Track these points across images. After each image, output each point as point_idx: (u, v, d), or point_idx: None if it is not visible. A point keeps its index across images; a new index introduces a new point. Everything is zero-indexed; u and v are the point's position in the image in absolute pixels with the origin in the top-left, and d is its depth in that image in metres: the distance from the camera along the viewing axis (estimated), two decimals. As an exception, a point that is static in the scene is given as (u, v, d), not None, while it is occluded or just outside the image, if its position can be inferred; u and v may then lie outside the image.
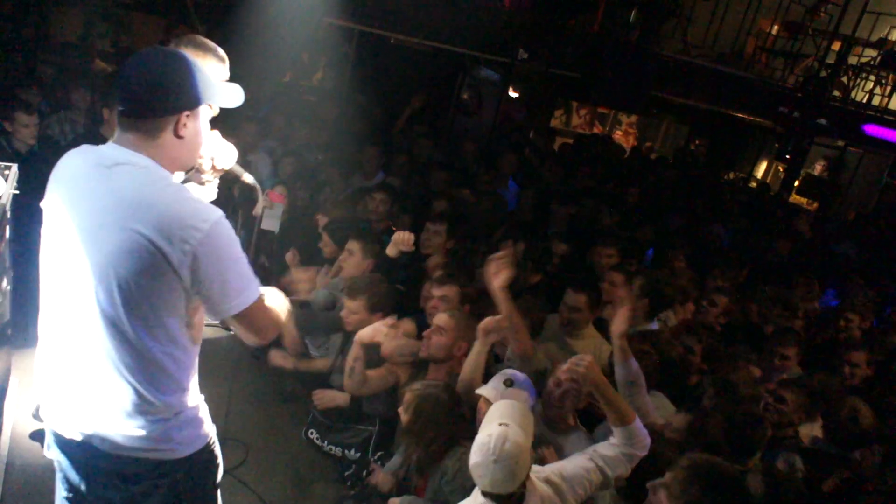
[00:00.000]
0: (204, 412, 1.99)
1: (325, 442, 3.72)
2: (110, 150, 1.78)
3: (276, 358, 4.12)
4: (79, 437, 1.84)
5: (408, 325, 3.92)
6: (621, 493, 2.83)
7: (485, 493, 2.33)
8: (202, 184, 2.25)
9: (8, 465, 3.13)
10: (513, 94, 9.12)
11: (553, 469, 2.57)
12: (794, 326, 4.68)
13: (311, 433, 3.77)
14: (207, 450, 1.98)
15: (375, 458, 3.53)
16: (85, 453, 1.86)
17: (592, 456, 2.59)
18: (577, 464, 2.58)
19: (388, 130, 7.69)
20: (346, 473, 3.52)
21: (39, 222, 1.87)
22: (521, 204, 6.49)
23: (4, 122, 4.66)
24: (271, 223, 4.37)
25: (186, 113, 1.78)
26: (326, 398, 3.76)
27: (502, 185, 6.92)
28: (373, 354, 3.62)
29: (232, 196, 4.37)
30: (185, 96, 1.77)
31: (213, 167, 2.19)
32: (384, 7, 6.94)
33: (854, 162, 11.14)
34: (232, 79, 2.17)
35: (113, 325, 1.75)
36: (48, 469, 3.18)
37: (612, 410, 2.58)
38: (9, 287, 3.26)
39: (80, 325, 1.79)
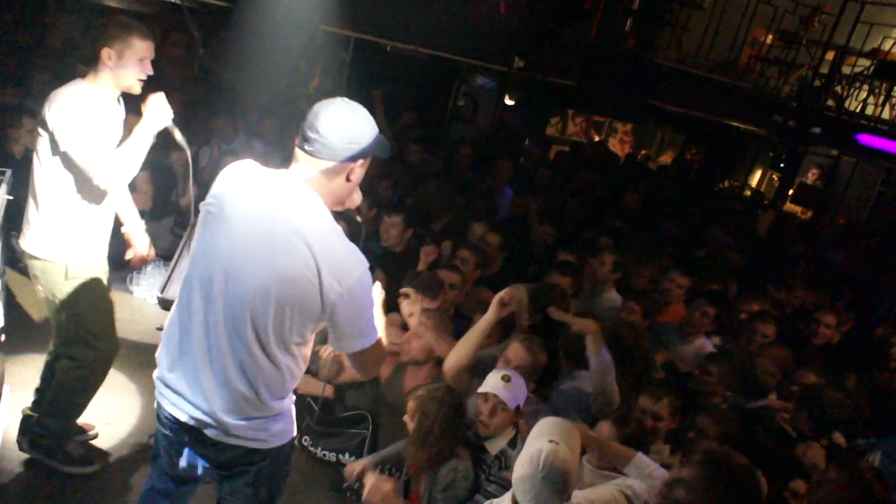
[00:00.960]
0: (293, 410, 2.22)
1: (319, 448, 3.70)
2: (287, 178, 2.01)
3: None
4: (190, 423, 2.08)
5: (395, 317, 3.93)
6: None
7: None
8: None
9: (2, 470, 3.11)
10: (509, 101, 9.15)
11: (583, 495, 2.58)
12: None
13: (305, 440, 3.75)
14: (291, 443, 2.23)
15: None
16: (190, 436, 2.12)
17: (620, 486, 2.64)
18: (604, 492, 2.62)
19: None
20: (345, 486, 3.48)
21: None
22: (513, 210, 6.50)
23: (9, 129, 4.68)
24: None
25: (361, 162, 2.05)
26: (311, 385, 3.70)
27: (498, 193, 6.94)
28: None
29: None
30: (364, 147, 2.01)
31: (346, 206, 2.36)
32: (380, 14, 6.95)
33: (848, 171, 11.19)
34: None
35: (256, 332, 1.96)
36: (40, 476, 3.17)
37: (615, 458, 2.73)
38: (3, 292, 3.24)
39: (225, 323, 1.98)
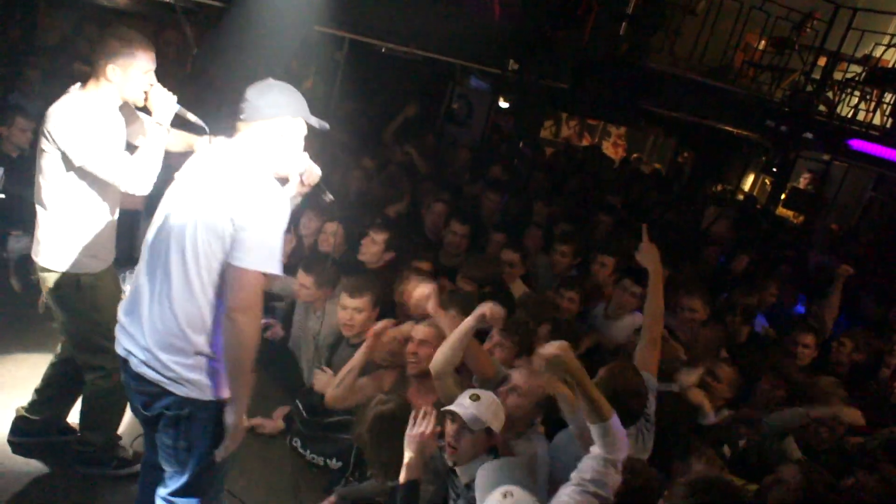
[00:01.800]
0: (224, 374, 2.31)
1: (308, 451, 3.69)
2: (224, 145, 2.36)
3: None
4: (122, 355, 2.37)
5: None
6: None
7: None
8: (290, 200, 2.57)
9: (-8, 471, 3.09)
10: (503, 104, 9.16)
11: None
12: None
13: (295, 441, 3.75)
14: (217, 404, 2.30)
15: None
16: (126, 372, 2.37)
17: (581, 483, 2.32)
18: (569, 500, 2.31)
19: (378, 139, 7.69)
20: (334, 489, 3.47)
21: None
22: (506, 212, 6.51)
23: (1, 128, 4.67)
24: None
25: (288, 119, 2.34)
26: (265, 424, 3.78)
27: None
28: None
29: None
30: (287, 107, 2.34)
31: (301, 181, 2.63)
32: (375, 16, 6.94)
33: (839, 176, 11.26)
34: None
35: (179, 259, 2.23)
36: (31, 476, 3.15)
37: (589, 404, 2.32)
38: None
39: (157, 258, 2.28)
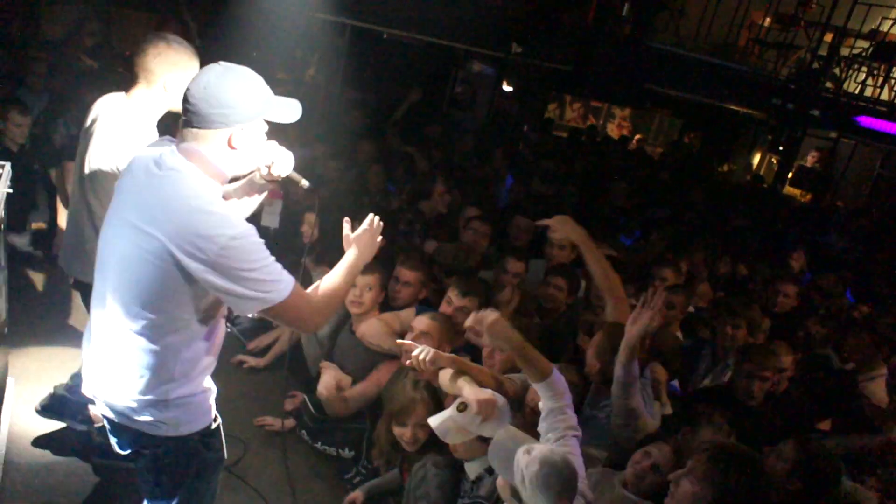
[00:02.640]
0: (200, 404, 2.10)
1: (319, 443, 3.71)
2: (167, 155, 1.92)
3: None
4: (104, 409, 2.11)
5: (391, 320, 3.83)
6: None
7: None
8: (259, 190, 2.33)
9: (6, 463, 3.12)
10: (506, 88, 9.12)
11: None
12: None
13: (303, 433, 3.76)
14: (196, 438, 2.11)
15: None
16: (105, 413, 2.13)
17: (563, 434, 2.43)
18: (564, 450, 2.37)
19: (382, 125, 7.67)
20: (346, 476, 3.50)
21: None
22: (511, 197, 6.50)
23: (6, 122, 4.67)
24: (271, 220, 4.35)
25: (241, 126, 1.91)
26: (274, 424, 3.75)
27: (498, 180, 6.93)
28: (352, 359, 3.66)
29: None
30: (240, 111, 1.90)
31: (270, 174, 2.20)
32: (377, 2, 6.92)
33: (847, 153, 11.19)
34: None
35: (122, 308, 1.93)
36: (47, 467, 3.19)
37: (529, 366, 2.47)
38: (4, 285, 3.25)
39: (103, 300, 1.99)
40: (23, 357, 3.82)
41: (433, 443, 2.89)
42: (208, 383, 2.14)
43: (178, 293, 1.89)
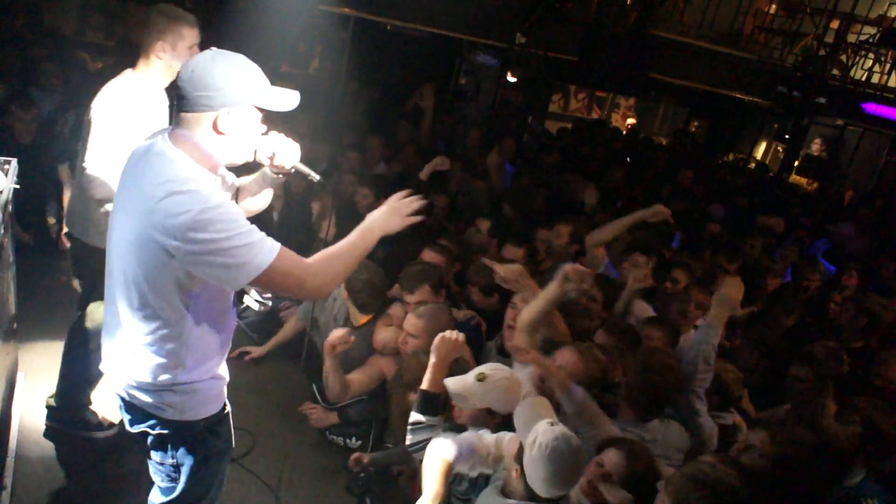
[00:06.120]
0: (208, 391, 2.14)
1: (327, 432, 3.74)
2: (159, 140, 1.95)
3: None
4: (117, 387, 2.16)
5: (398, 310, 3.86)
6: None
7: None
8: (270, 182, 2.32)
9: (17, 457, 3.15)
10: (511, 78, 9.09)
11: None
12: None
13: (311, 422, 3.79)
14: (204, 425, 2.15)
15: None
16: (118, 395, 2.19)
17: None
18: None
19: (387, 118, 7.65)
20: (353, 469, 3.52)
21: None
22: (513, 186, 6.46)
23: (12, 119, 4.68)
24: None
25: (227, 110, 1.92)
26: (319, 417, 3.74)
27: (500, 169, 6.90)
28: (352, 356, 3.65)
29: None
30: (225, 94, 1.90)
31: (273, 164, 2.21)
32: (380, -7, 6.90)
33: (854, 141, 11.12)
34: None
35: (128, 291, 1.97)
36: (57, 462, 3.22)
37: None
38: (14, 281, 3.26)
39: (114, 285, 2.03)
40: (32, 352, 3.84)
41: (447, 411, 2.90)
42: (219, 372, 2.18)
43: (170, 277, 1.91)
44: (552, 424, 2.27)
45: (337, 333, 3.39)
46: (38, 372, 3.66)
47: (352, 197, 4.98)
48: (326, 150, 6.08)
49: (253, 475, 3.35)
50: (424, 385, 2.81)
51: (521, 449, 2.30)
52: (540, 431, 2.23)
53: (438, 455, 2.54)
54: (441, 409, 2.85)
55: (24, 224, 4.79)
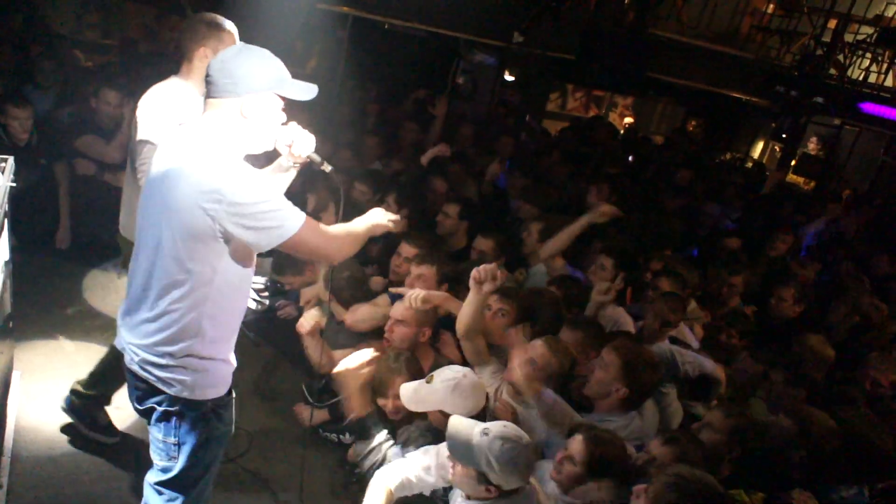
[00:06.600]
0: (216, 373, 2.25)
1: (320, 429, 3.73)
2: (196, 125, 2.16)
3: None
4: (119, 347, 2.31)
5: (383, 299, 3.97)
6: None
7: None
8: (285, 170, 2.52)
9: (13, 457, 3.14)
10: (508, 77, 9.08)
11: None
12: None
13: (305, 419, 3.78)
14: (209, 406, 2.25)
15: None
16: (124, 365, 2.31)
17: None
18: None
19: (385, 117, 7.64)
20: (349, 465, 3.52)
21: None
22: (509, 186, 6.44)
23: (8, 118, 4.65)
24: None
25: (251, 96, 2.12)
26: (307, 416, 3.69)
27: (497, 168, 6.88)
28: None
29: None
30: (250, 81, 2.11)
31: (290, 154, 2.40)
32: (377, -9, 6.89)
33: (850, 140, 11.13)
34: None
35: (168, 262, 2.10)
36: (53, 461, 3.21)
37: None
38: (9, 279, 3.25)
39: (143, 256, 2.17)
40: (28, 351, 3.84)
41: (417, 413, 3.03)
42: (229, 356, 2.29)
43: (206, 239, 2.06)
44: (485, 433, 2.38)
45: (307, 316, 3.52)
46: (34, 371, 3.66)
47: (348, 193, 4.99)
48: (325, 148, 6.05)
49: (249, 474, 3.34)
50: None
51: (480, 474, 2.37)
52: (485, 447, 2.34)
53: (382, 484, 2.69)
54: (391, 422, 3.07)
55: (20, 222, 4.78)
